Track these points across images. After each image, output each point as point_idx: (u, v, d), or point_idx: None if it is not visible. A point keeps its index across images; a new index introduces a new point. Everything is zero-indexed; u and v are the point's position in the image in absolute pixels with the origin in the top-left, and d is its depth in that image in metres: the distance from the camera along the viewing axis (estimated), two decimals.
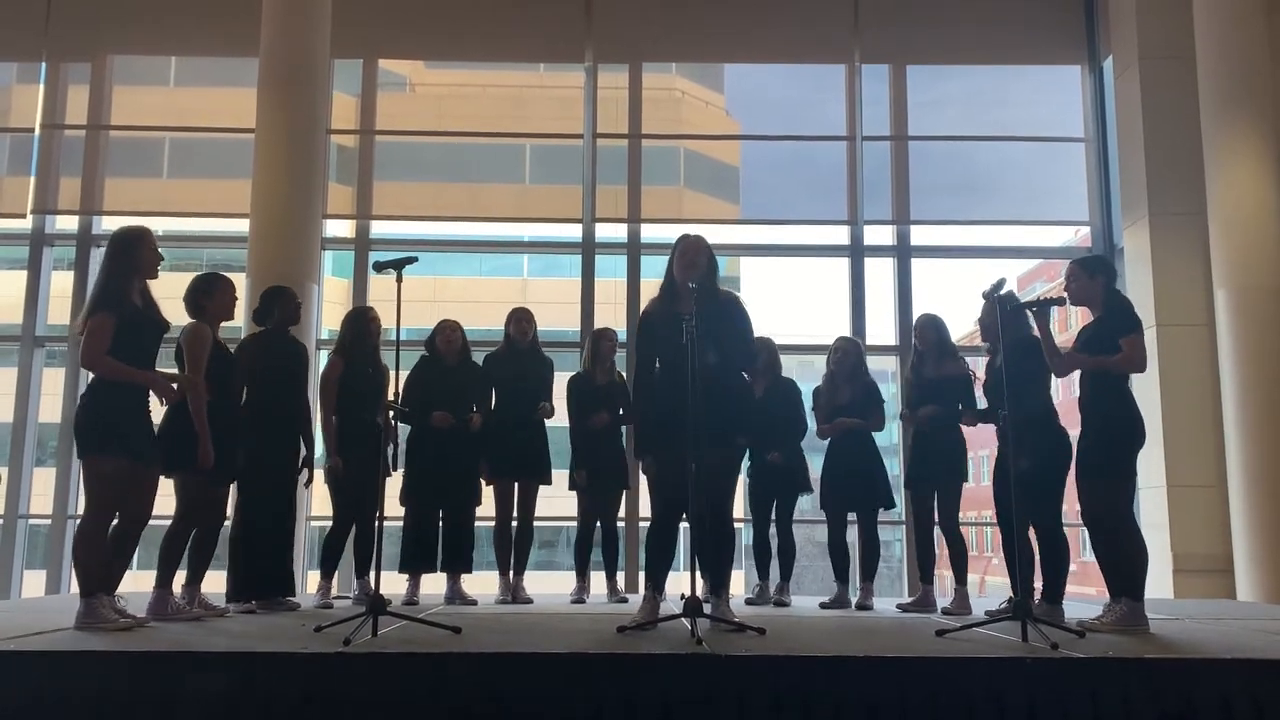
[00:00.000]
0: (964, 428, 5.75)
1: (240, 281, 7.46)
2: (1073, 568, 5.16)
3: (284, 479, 5.44)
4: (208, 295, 4.95)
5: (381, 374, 5.78)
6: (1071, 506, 4.98)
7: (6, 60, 9.52)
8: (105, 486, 4.28)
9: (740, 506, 6.49)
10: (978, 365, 5.78)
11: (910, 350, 6.14)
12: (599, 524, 6.32)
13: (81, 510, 4.48)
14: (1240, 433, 7.55)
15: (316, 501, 7.61)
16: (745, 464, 6.33)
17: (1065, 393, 5.48)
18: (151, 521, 4.56)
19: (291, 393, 5.50)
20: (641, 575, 6.13)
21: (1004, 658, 3.68)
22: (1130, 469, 4.69)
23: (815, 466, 6.32)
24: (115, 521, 4.39)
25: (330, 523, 5.77)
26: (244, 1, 8.48)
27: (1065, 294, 4.87)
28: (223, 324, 5.05)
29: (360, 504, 5.66)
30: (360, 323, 5.83)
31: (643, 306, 4.90)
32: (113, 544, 4.42)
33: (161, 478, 4.56)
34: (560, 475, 6.23)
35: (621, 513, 6.52)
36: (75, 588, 4.43)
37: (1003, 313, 4.76)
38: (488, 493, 6.11)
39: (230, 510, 5.37)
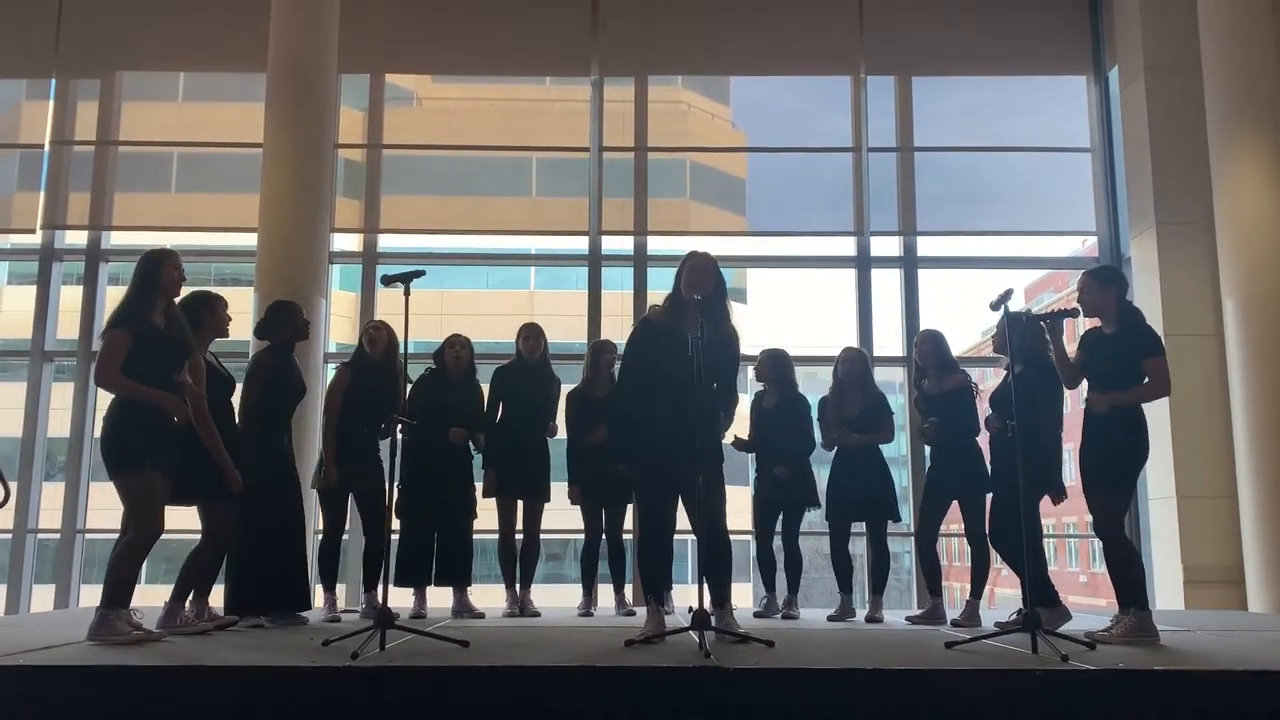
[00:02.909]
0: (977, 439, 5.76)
1: (249, 295, 7.52)
2: (1083, 579, 5.18)
3: (291, 494, 5.46)
4: (210, 310, 4.98)
5: (391, 385, 5.76)
6: (1082, 517, 4.99)
7: (17, 77, 9.58)
8: (144, 502, 4.30)
9: (746, 520, 6.47)
10: (984, 377, 5.81)
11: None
12: (605, 537, 6.31)
13: (89, 525, 4.49)
14: (1250, 443, 7.51)
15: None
16: (751, 476, 6.36)
17: (1074, 403, 5.48)
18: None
19: (291, 409, 5.53)
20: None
21: (1014, 670, 3.66)
22: (1131, 481, 4.69)
23: (822, 480, 6.31)
24: (127, 535, 4.41)
25: (321, 534, 5.81)
26: (252, 17, 8.54)
27: (1078, 305, 4.86)
28: (217, 339, 5.09)
29: (368, 517, 5.70)
30: (362, 335, 5.89)
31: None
32: (120, 558, 4.43)
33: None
34: (560, 489, 6.23)
35: (629, 525, 6.50)
36: (85, 602, 4.44)
37: (1014, 326, 4.76)
38: (484, 505, 6.11)
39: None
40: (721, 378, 4.61)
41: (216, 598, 5.17)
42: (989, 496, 5.68)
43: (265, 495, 5.27)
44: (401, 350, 4.79)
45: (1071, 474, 5.11)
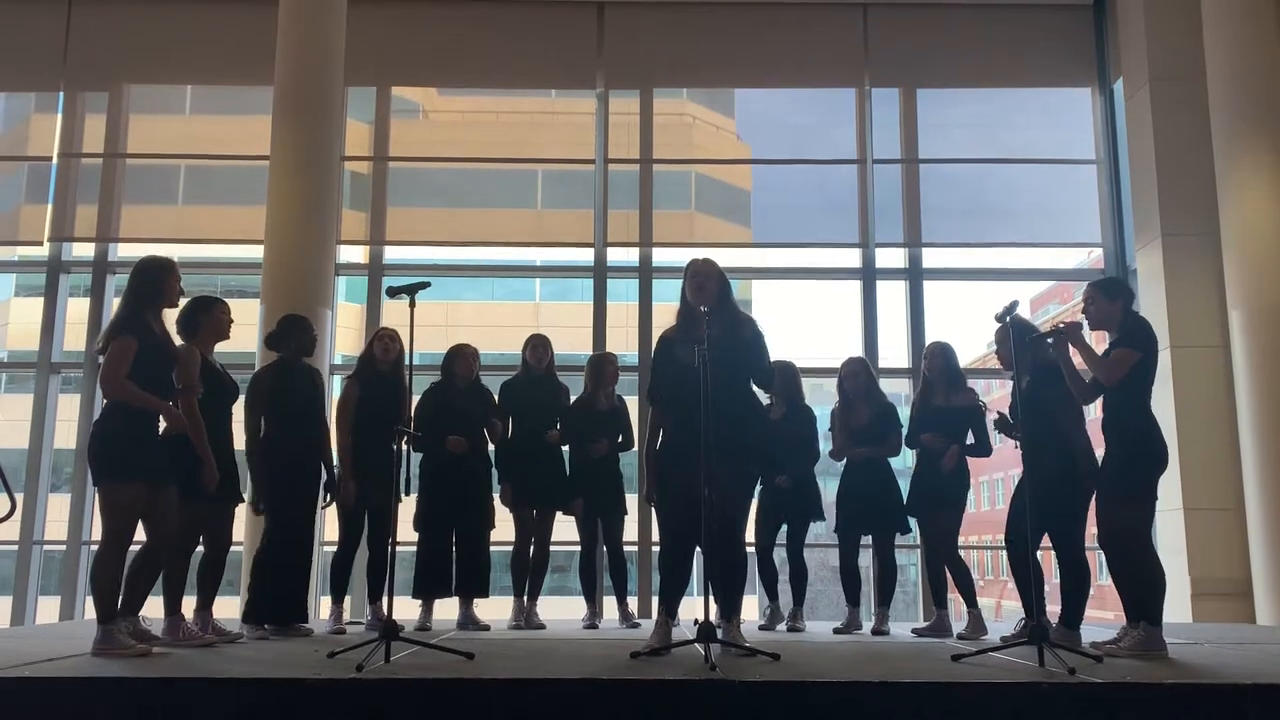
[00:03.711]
0: (969, 457, 5.75)
1: (255, 308, 7.54)
2: (1090, 591, 5.12)
3: (309, 506, 5.48)
4: (206, 313, 5.00)
5: (398, 395, 5.77)
6: (1090, 529, 4.94)
7: (25, 90, 9.64)
8: (119, 513, 4.28)
9: (749, 531, 6.45)
10: (991, 391, 5.78)
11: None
12: (605, 549, 6.30)
13: (94, 537, 4.48)
14: (1257, 454, 7.49)
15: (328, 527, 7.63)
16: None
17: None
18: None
19: (311, 419, 5.54)
20: (654, 600, 6.08)
21: (1020, 683, 3.64)
22: (1150, 491, 4.63)
23: (829, 492, 6.29)
24: (141, 544, 4.41)
25: (336, 547, 5.81)
26: (259, 30, 8.59)
27: (1083, 316, 4.84)
28: (218, 346, 5.11)
29: (375, 529, 5.70)
30: (371, 344, 5.90)
31: (655, 329, 4.92)
32: (138, 566, 4.45)
33: None
34: None
35: (632, 535, 6.49)
36: (90, 614, 4.44)
37: (1020, 341, 4.74)
38: (502, 516, 6.11)
39: (243, 535, 5.39)
40: (754, 370, 4.61)
41: (219, 608, 5.17)
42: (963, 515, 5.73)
43: (286, 508, 5.30)
44: (408, 361, 4.79)
45: None
